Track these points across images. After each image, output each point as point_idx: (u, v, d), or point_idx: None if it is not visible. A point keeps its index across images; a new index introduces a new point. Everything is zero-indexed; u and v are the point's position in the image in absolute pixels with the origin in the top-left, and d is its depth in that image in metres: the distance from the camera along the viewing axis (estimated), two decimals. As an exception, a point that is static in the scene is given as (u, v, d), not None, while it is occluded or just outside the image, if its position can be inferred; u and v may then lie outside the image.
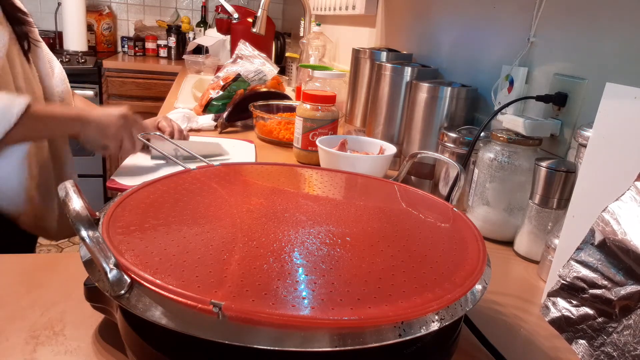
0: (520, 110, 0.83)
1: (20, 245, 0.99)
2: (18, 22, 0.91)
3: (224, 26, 2.29)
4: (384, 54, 1.17)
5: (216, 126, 1.24)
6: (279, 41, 2.45)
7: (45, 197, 0.96)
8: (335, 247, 0.41)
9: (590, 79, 0.70)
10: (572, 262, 0.41)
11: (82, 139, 0.84)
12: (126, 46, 3.09)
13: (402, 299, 0.34)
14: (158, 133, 0.89)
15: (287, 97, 1.40)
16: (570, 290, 0.41)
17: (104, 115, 0.84)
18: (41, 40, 1.00)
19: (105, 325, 0.45)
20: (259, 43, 1.74)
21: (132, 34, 3.20)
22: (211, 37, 2.43)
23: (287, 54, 2.22)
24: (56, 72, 1.02)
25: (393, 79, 1.01)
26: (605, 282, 0.39)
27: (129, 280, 0.34)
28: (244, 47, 1.44)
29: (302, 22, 2.12)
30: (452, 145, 0.81)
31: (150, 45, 3.09)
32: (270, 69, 1.39)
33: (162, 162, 0.93)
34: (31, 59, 0.95)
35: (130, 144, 0.85)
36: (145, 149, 0.92)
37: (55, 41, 2.85)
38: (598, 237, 0.40)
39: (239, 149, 1.07)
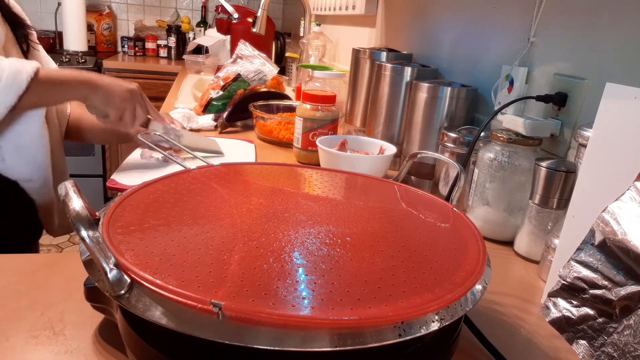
0: (520, 110, 0.83)
1: (21, 244, 0.99)
2: (18, 26, 0.93)
3: (224, 26, 2.29)
4: (384, 54, 1.17)
5: (216, 126, 1.24)
6: (279, 41, 2.45)
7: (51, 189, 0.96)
8: (335, 247, 0.41)
9: (590, 79, 0.70)
10: (573, 263, 0.41)
11: (88, 103, 0.85)
12: (126, 46, 3.09)
13: (402, 299, 0.34)
14: (158, 133, 0.89)
15: (287, 97, 1.40)
16: (570, 290, 0.41)
17: (113, 84, 0.85)
18: (39, 43, 1.02)
19: (105, 325, 0.45)
20: (259, 43, 1.74)
21: (132, 34, 3.20)
22: (211, 37, 2.43)
23: (287, 54, 2.22)
24: None
25: (393, 79, 1.01)
26: (606, 283, 0.39)
27: (129, 280, 0.34)
28: (244, 47, 1.44)
29: (302, 22, 2.12)
30: (452, 145, 0.81)
31: (150, 45, 3.09)
32: (270, 69, 1.39)
33: (162, 162, 0.94)
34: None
35: (130, 118, 0.87)
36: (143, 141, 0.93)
37: (55, 41, 2.85)
38: (598, 237, 0.40)
39: (239, 149, 1.07)
